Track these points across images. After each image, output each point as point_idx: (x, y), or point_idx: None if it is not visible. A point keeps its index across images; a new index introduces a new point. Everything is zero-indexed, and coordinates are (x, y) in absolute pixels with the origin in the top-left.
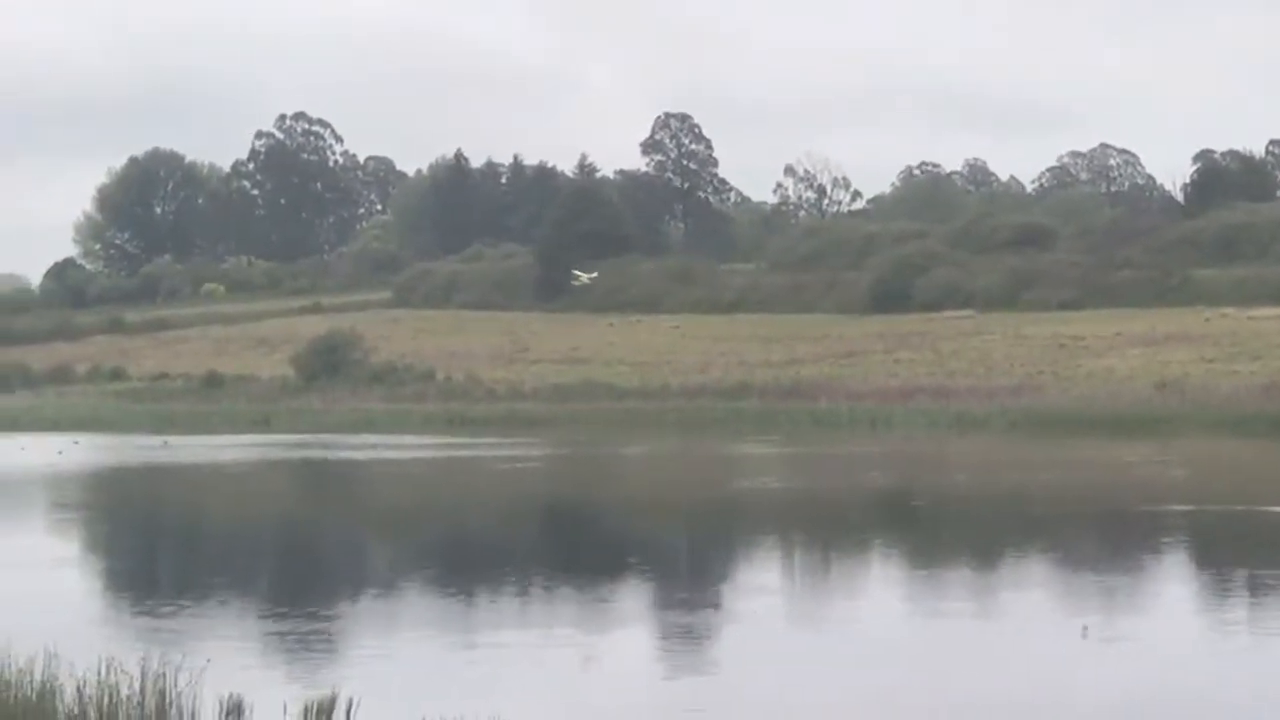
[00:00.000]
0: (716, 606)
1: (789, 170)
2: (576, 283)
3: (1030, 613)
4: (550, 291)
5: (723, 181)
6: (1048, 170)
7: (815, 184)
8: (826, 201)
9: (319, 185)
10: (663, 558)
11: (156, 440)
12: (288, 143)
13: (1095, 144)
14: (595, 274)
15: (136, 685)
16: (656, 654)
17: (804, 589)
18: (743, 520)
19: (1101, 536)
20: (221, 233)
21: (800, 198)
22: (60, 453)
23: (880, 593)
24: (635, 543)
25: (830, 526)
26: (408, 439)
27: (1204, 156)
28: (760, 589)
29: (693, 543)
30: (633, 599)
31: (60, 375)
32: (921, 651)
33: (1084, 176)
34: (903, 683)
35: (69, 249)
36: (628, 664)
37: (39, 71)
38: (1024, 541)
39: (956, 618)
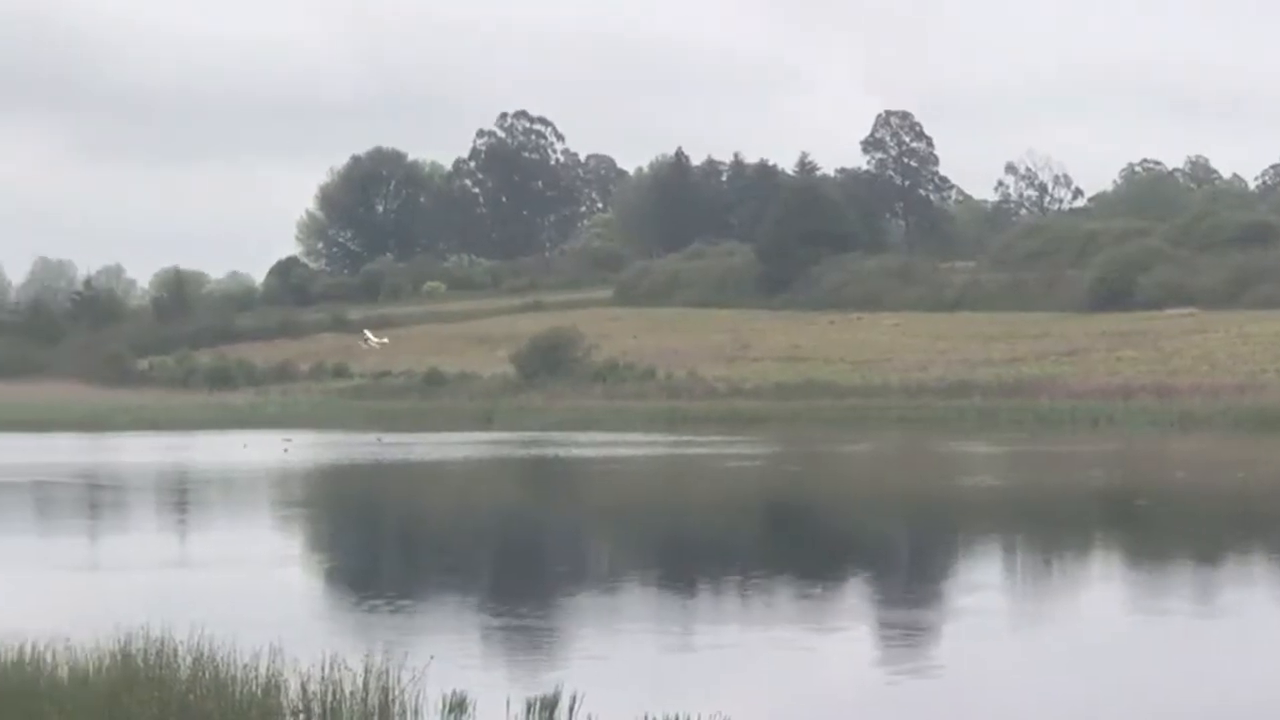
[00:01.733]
0: (940, 605)
1: (1010, 168)
2: (366, 345)
3: (1257, 614)
4: (772, 289)
5: (944, 179)
6: (1271, 167)
7: (1036, 182)
8: (1048, 199)
9: (540, 183)
10: (885, 555)
11: (370, 437)
12: (509, 141)
13: None
14: (385, 340)
15: (360, 682)
16: (880, 653)
17: (1027, 587)
18: (965, 518)
19: None
20: (443, 231)
21: (1021, 195)
22: (285, 450)
23: (1104, 592)
24: (858, 541)
25: (1053, 525)
26: (631, 437)
27: None
28: (983, 586)
29: (915, 540)
30: (855, 597)
31: (283, 373)
32: (1146, 653)
33: None
34: (1128, 684)
35: (291, 247)
36: (851, 663)
37: (264, 70)
38: (1249, 541)
39: (1182, 617)
